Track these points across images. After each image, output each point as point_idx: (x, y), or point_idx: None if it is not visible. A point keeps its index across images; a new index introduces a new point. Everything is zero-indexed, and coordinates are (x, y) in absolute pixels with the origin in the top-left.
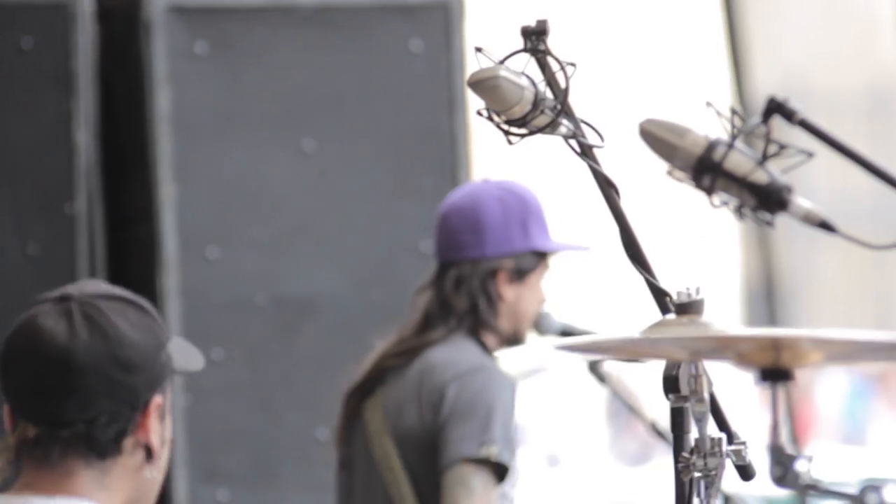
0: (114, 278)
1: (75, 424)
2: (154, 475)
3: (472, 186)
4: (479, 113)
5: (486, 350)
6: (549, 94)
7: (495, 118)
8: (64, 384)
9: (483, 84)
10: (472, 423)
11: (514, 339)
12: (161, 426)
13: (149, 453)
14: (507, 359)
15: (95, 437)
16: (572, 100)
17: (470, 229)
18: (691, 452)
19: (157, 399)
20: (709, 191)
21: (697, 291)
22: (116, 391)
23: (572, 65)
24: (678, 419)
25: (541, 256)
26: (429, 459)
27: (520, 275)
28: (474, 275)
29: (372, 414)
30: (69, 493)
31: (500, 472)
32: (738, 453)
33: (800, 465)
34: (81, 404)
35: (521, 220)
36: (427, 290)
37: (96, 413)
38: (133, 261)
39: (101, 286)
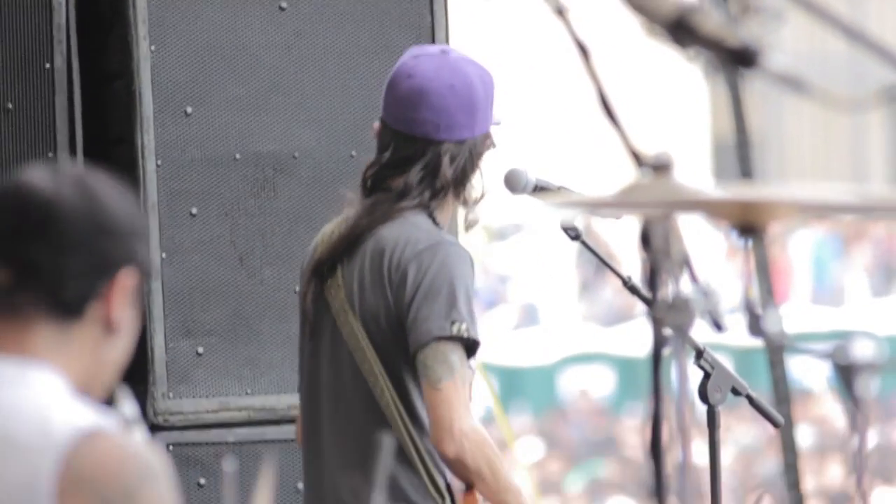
0: (92, 135)
1: (44, 272)
2: (111, 353)
3: (448, 60)
4: None
5: (437, 224)
6: None
7: None
8: (41, 229)
9: None
10: (438, 301)
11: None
12: (126, 307)
13: (109, 327)
14: (485, 216)
15: (61, 293)
16: None
17: (466, 110)
18: (664, 307)
19: (126, 275)
20: (684, 50)
21: (670, 149)
22: (89, 250)
23: None
24: (651, 274)
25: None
26: (398, 337)
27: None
28: (463, 153)
29: (335, 293)
30: (27, 351)
31: (470, 346)
32: (710, 306)
33: (772, 318)
34: (54, 252)
35: (491, 100)
36: (393, 162)
37: (66, 266)
38: (111, 118)
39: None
